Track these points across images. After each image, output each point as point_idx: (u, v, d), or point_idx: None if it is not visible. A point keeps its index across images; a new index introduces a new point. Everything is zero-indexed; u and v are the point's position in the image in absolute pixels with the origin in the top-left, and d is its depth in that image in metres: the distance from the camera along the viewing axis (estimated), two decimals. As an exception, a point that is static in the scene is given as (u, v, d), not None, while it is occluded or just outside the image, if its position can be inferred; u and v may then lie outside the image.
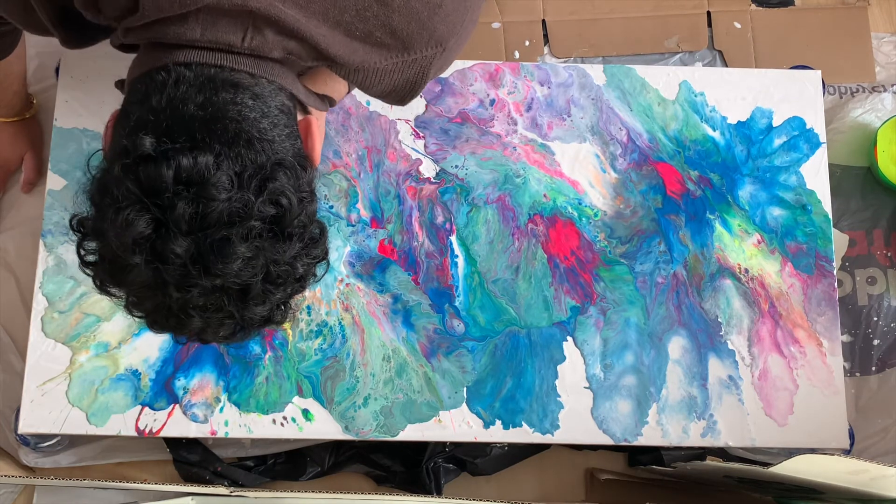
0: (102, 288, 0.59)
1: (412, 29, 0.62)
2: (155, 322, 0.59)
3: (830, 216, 1.01)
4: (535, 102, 1.02)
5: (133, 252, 0.53)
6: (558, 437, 0.94)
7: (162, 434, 0.92)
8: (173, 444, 0.99)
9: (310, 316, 0.95)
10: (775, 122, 1.03)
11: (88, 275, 0.59)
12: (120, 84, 0.66)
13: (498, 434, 0.93)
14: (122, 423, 0.91)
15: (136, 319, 0.60)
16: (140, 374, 0.92)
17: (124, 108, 0.60)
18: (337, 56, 0.62)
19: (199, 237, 0.53)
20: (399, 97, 0.70)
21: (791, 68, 1.08)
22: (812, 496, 0.91)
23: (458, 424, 0.93)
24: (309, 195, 0.59)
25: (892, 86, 1.17)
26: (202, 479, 0.98)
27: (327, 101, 0.72)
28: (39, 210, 0.97)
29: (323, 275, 0.63)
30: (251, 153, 0.56)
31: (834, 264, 1.00)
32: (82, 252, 0.59)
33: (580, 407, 0.94)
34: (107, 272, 0.57)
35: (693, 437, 0.94)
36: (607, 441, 0.94)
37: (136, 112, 0.57)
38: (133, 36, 0.60)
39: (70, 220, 0.59)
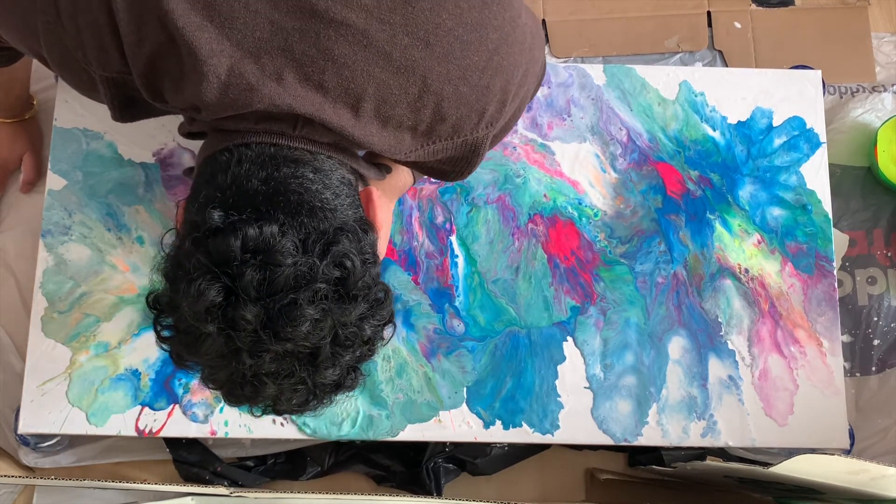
0: (179, 361, 0.61)
1: (461, 113, 0.63)
2: (231, 393, 0.60)
3: (830, 216, 1.01)
4: (535, 102, 1.02)
5: (206, 321, 0.55)
6: (558, 437, 0.94)
7: (162, 434, 0.92)
8: (173, 444, 0.99)
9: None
10: (775, 122, 1.03)
11: (165, 350, 0.61)
12: (189, 171, 0.69)
13: (498, 434, 0.93)
14: (122, 423, 0.91)
15: (213, 392, 0.60)
16: (140, 373, 0.92)
17: (194, 188, 0.63)
18: (383, 152, 0.64)
19: (268, 302, 0.55)
20: (458, 173, 0.71)
21: (791, 68, 1.08)
22: (812, 496, 0.91)
23: (458, 424, 0.93)
24: (372, 257, 0.61)
25: (893, 86, 1.17)
26: (202, 479, 0.98)
27: (384, 170, 0.74)
28: (39, 210, 0.97)
29: (391, 338, 0.64)
30: (314, 221, 0.58)
31: (834, 264, 1.00)
32: (158, 328, 0.61)
33: (580, 407, 0.94)
34: (182, 344, 0.59)
35: (693, 437, 0.94)
36: (607, 441, 0.94)
37: (204, 190, 0.60)
38: (198, 125, 0.64)
39: (146, 298, 0.61)
